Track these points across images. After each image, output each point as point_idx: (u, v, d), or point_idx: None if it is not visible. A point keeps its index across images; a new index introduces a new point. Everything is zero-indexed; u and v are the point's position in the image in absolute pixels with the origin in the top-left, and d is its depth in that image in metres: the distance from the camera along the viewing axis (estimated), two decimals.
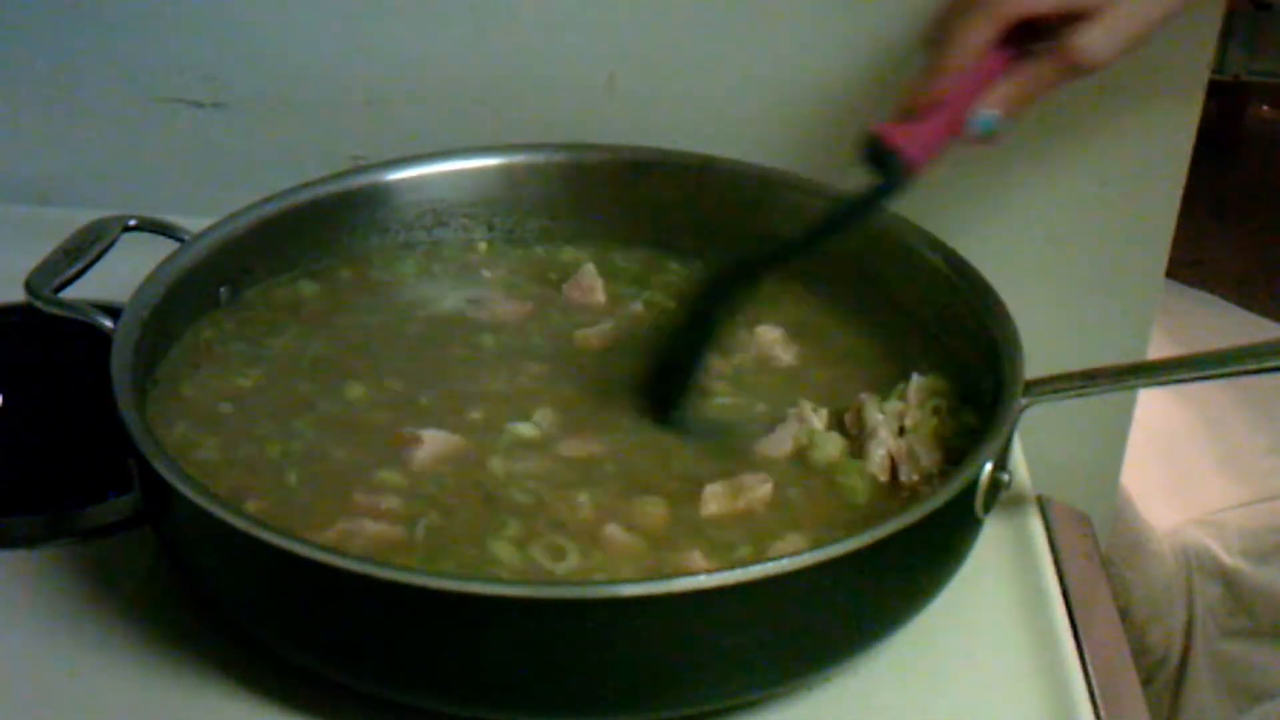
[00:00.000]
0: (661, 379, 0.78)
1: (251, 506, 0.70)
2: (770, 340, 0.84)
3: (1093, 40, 0.74)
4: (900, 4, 0.94)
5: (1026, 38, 0.76)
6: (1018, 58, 0.76)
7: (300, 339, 0.83)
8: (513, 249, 0.92)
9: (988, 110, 0.76)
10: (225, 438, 0.75)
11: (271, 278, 0.86)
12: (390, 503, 0.70)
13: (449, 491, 0.71)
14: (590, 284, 0.88)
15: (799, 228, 0.86)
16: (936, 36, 0.76)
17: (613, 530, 0.69)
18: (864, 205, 0.76)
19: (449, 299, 0.88)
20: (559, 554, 0.68)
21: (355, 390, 0.79)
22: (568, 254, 0.91)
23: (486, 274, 0.90)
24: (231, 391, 0.78)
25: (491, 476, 0.73)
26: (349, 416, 0.77)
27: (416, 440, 0.74)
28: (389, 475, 0.72)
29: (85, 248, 0.80)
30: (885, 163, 0.75)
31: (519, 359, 0.82)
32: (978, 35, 0.74)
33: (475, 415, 0.77)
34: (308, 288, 0.87)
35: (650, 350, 0.80)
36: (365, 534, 0.68)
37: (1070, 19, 0.74)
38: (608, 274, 0.89)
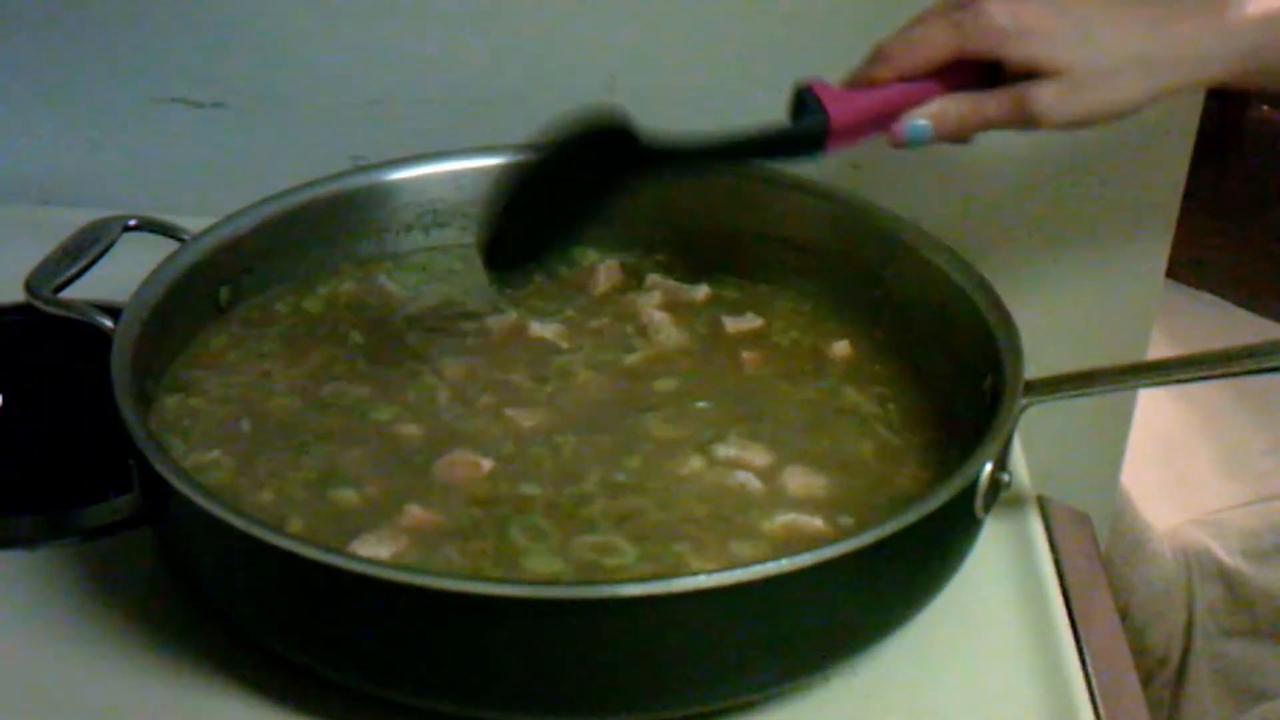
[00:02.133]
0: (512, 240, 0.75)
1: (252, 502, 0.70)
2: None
3: (1044, 98, 0.72)
4: (901, 8, 0.94)
5: (984, 76, 0.74)
6: (966, 84, 0.74)
7: (301, 342, 0.83)
8: None
9: (922, 119, 0.74)
10: (234, 447, 0.75)
11: (272, 280, 0.86)
12: (430, 512, 0.71)
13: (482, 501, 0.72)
14: (607, 276, 0.89)
15: (799, 228, 0.87)
16: (900, 33, 0.75)
17: None
18: (771, 145, 0.75)
19: (449, 300, 0.88)
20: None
21: (359, 389, 0.79)
22: (575, 254, 0.91)
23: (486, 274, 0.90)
24: (239, 396, 0.79)
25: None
26: (357, 419, 0.77)
27: (464, 463, 0.74)
28: (414, 481, 0.73)
29: (85, 248, 0.80)
30: (807, 115, 0.73)
31: (523, 358, 0.82)
32: (933, 50, 0.73)
33: (490, 413, 0.77)
34: (309, 290, 0.87)
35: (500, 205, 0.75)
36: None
37: (1034, 73, 0.73)
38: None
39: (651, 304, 0.87)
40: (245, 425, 0.76)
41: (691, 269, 0.91)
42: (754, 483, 0.73)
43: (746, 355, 0.83)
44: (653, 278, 0.89)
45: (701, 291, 0.88)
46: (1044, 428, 0.82)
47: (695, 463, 0.74)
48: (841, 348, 0.84)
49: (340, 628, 0.64)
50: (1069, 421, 0.87)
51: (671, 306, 0.87)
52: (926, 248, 0.83)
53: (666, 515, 0.71)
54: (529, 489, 0.72)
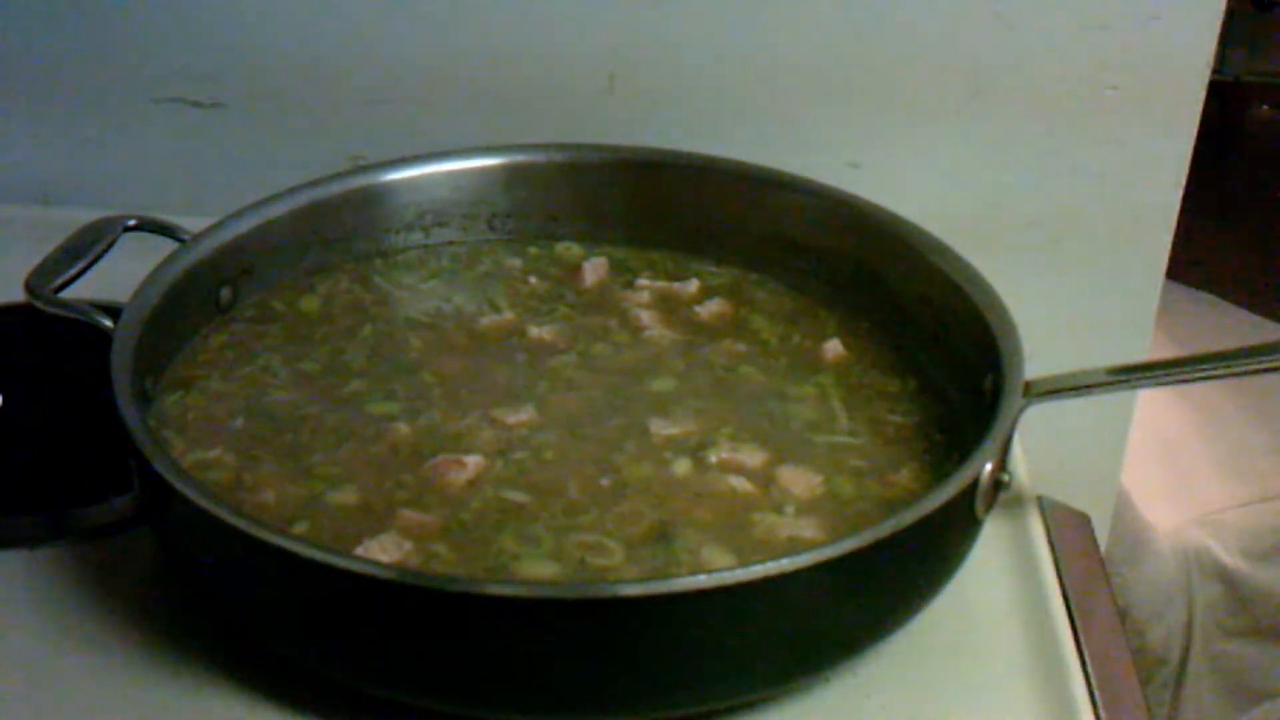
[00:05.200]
0: None
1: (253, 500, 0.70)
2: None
3: None
4: (902, 7, 0.94)
5: None
6: None
7: (300, 341, 0.83)
8: (513, 249, 0.92)
9: None
10: (234, 444, 0.75)
11: (272, 279, 0.86)
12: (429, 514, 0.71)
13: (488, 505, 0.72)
14: (595, 272, 0.89)
15: (797, 226, 0.86)
16: None
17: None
18: None
19: (449, 300, 0.88)
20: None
21: (359, 389, 0.79)
22: (568, 254, 0.91)
23: (485, 275, 0.90)
24: (239, 394, 0.79)
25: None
26: (357, 418, 0.77)
27: (459, 463, 0.73)
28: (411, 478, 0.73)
29: (85, 248, 0.80)
30: None
31: (516, 358, 0.82)
32: None
33: (484, 413, 0.77)
34: (309, 290, 0.87)
35: None
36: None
37: None
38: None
39: (642, 303, 0.87)
40: (244, 423, 0.76)
41: (683, 266, 0.91)
42: (748, 483, 0.73)
43: (740, 354, 0.83)
44: (643, 278, 0.89)
45: (693, 289, 0.88)
46: (1044, 428, 0.82)
47: (688, 463, 0.74)
48: (838, 347, 0.83)
49: (339, 627, 0.64)
50: (1069, 421, 0.87)
51: (663, 305, 0.87)
52: (926, 248, 0.83)
53: (659, 516, 0.71)
54: (520, 491, 0.72)
